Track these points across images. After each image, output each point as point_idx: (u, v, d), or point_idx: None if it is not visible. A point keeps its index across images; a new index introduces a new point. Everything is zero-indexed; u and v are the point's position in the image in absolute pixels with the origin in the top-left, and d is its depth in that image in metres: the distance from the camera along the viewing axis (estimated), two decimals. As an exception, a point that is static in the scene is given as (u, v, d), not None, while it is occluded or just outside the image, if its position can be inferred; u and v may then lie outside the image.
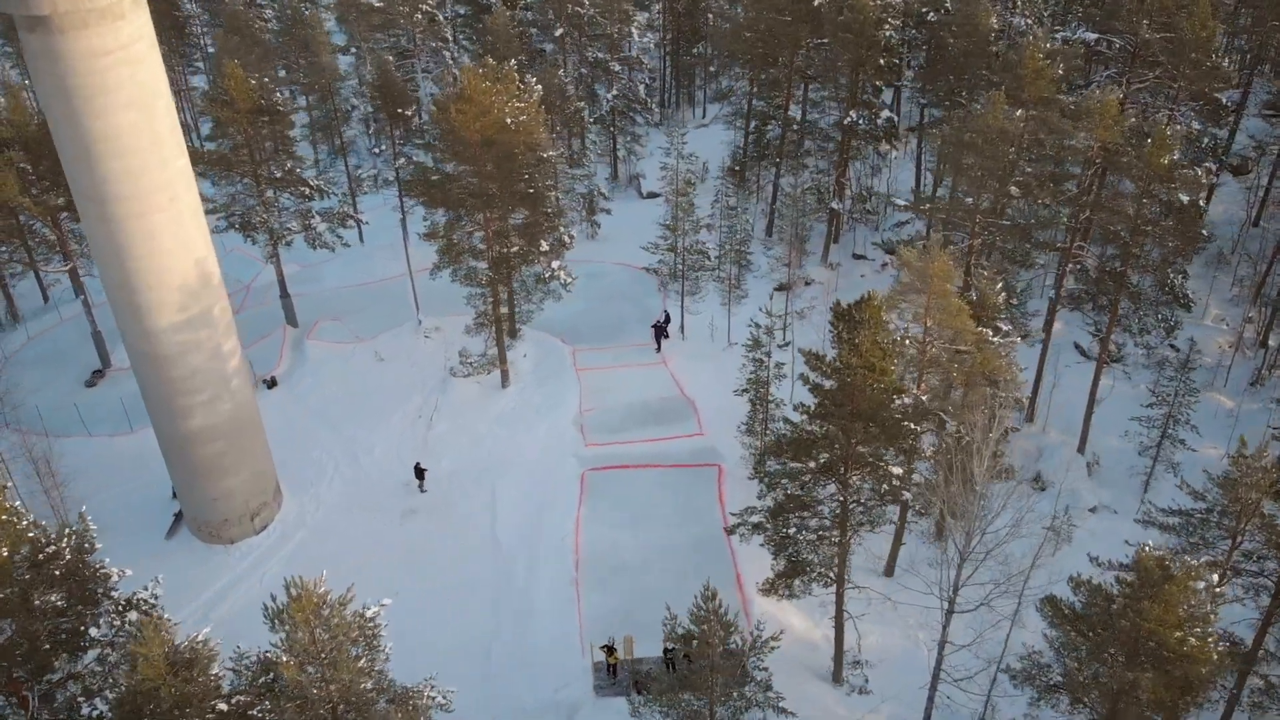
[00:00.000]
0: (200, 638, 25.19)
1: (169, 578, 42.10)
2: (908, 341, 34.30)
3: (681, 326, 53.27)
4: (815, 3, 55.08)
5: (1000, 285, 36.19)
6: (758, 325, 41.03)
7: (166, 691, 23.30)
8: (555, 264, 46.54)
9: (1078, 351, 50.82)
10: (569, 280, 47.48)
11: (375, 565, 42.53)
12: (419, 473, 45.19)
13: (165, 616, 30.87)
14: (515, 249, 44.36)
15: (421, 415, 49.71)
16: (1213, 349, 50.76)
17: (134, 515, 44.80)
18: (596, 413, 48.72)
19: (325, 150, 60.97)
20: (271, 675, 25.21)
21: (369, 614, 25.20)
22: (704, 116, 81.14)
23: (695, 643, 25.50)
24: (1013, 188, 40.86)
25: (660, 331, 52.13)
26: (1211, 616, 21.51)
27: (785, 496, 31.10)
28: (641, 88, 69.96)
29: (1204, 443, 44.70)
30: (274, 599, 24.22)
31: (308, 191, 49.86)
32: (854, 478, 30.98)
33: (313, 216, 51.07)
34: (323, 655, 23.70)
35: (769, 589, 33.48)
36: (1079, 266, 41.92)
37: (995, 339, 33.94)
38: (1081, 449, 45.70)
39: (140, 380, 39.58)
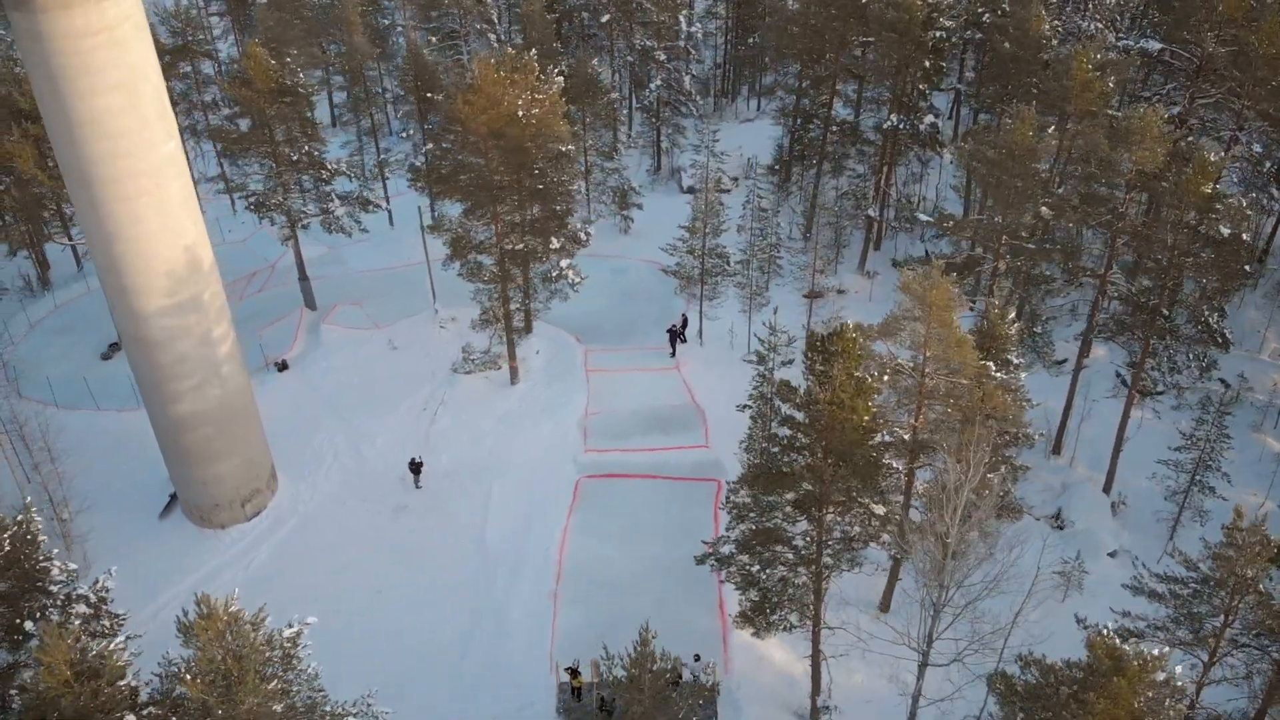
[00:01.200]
0: (113, 646, 24.29)
1: (156, 559, 42.41)
2: (903, 371, 32.27)
3: (700, 331, 51.53)
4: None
5: (1012, 315, 33.78)
6: (760, 339, 39.17)
7: (69, 701, 22.64)
8: (565, 263, 45.17)
9: (1120, 381, 47.88)
10: (577, 280, 46.09)
11: (362, 560, 41.95)
12: (414, 468, 44.40)
13: (119, 612, 30.67)
14: (521, 245, 43.03)
15: (427, 408, 48.92)
16: (1266, 386, 47.39)
17: (131, 493, 44.83)
18: (602, 416, 47.38)
19: (354, 132, 60.38)
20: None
21: (287, 634, 24.28)
22: (756, 110, 78.82)
23: (625, 687, 24.10)
24: (1044, 208, 38.27)
25: (676, 335, 50.50)
26: (1173, 715, 19.34)
27: (754, 530, 29.41)
28: (688, 79, 68.00)
29: (1243, 489, 41.65)
30: (185, 613, 23.39)
31: (325, 175, 49.16)
32: (829, 516, 29.15)
33: (331, 200, 50.40)
34: (230, 676, 22.80)
35: (742, 622, 31.84)
36: (1114, 295, 39.17)
37: (999, 373, 31.61)
38: (1108, 488, 42.99)
39: (131, 362, 39.43)
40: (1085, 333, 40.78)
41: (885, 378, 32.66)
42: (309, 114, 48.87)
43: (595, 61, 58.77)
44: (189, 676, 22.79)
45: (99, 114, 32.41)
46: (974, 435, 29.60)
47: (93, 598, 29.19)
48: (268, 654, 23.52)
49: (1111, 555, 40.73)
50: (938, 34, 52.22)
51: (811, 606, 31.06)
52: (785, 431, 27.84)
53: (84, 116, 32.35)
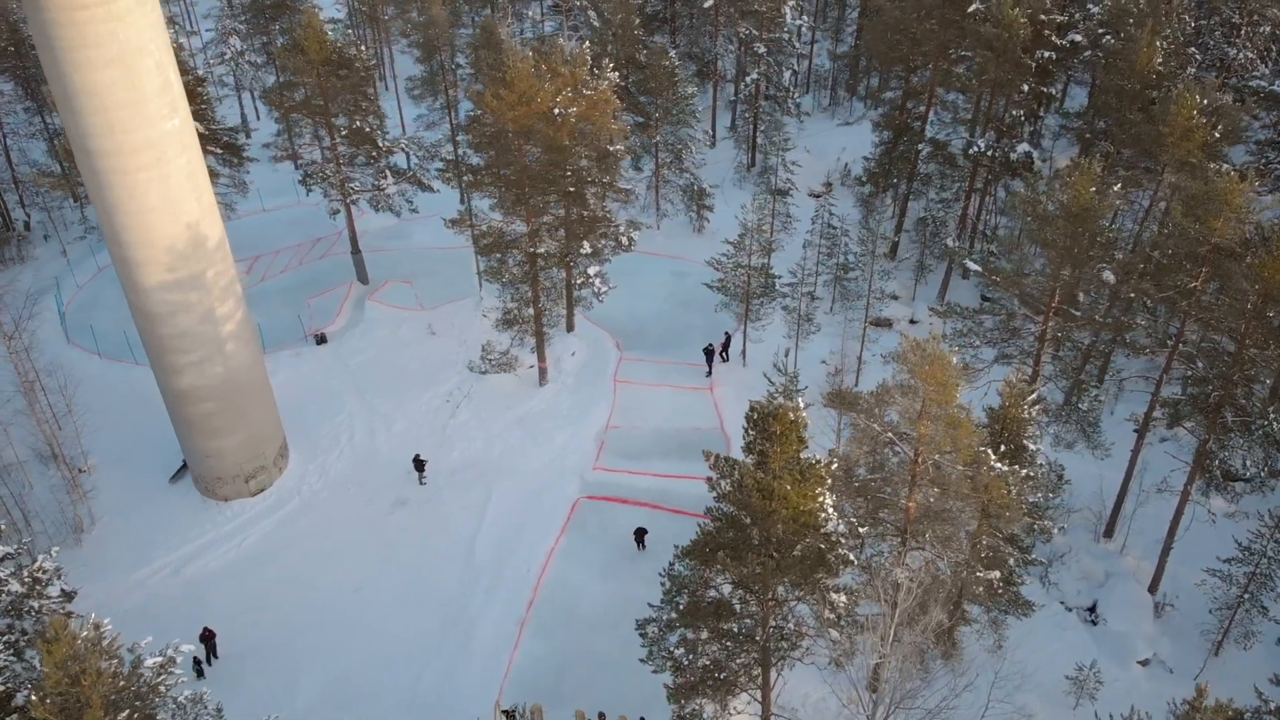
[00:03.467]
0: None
1: (156, 524, 42.62)
2: (896, 446, 29.03)
3: (743, 352, 48.57)
4: (970, 8, 48.09)
5: (1034, 395, 29.91)
6: (769, 379, 36.32)
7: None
8: (593, 270, 42.93)
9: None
10: (603, 290, 43.78)
11: (350, 552, 41.23)
12: (418, 465, 43.31)
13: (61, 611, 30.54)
14: (544, 249, 41.01)
15: (451, 399, 47.76)
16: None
17: (149, 453, 45.22)
18: (622, 431, 45.24)
19: (428, 108, 59.23)
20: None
21: (150, 663, 23.24)
22: (861, 112, 74.21)
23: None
24: (1107, 273, 33.86)
25: (714, 354, 47.69)
26: None
27: (687, 605, 26.92)
28: (787, 74, 64.27)
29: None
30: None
31: (376, 152, 48.16)
32: (772, 601, 26.39)
33: (385, 176, 49.43)
34: (81, 701, 21.91)
35: (675, 696, 29.34)
36: (1175, 379, 34.52)
37: (1000, 463, 27.93)
38: (1154, 587, 38.39)
39: (138, 331, 39.34)
40: (1143, 422, 36.11)
41: (866, 449, 29.66)
42: (368, 88, 47.82)
43: (673, 54, 55.49)
44: (34, 697, 21.98)
45: (95, 87, 31.89)
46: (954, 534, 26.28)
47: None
48: (120, 684, 22.46)
49: (1143, 664, 36.37)
50: (1046, 54, 47.33)
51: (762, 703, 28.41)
52: (725, 507, 25.15)
53: (80, 88, 31.90)
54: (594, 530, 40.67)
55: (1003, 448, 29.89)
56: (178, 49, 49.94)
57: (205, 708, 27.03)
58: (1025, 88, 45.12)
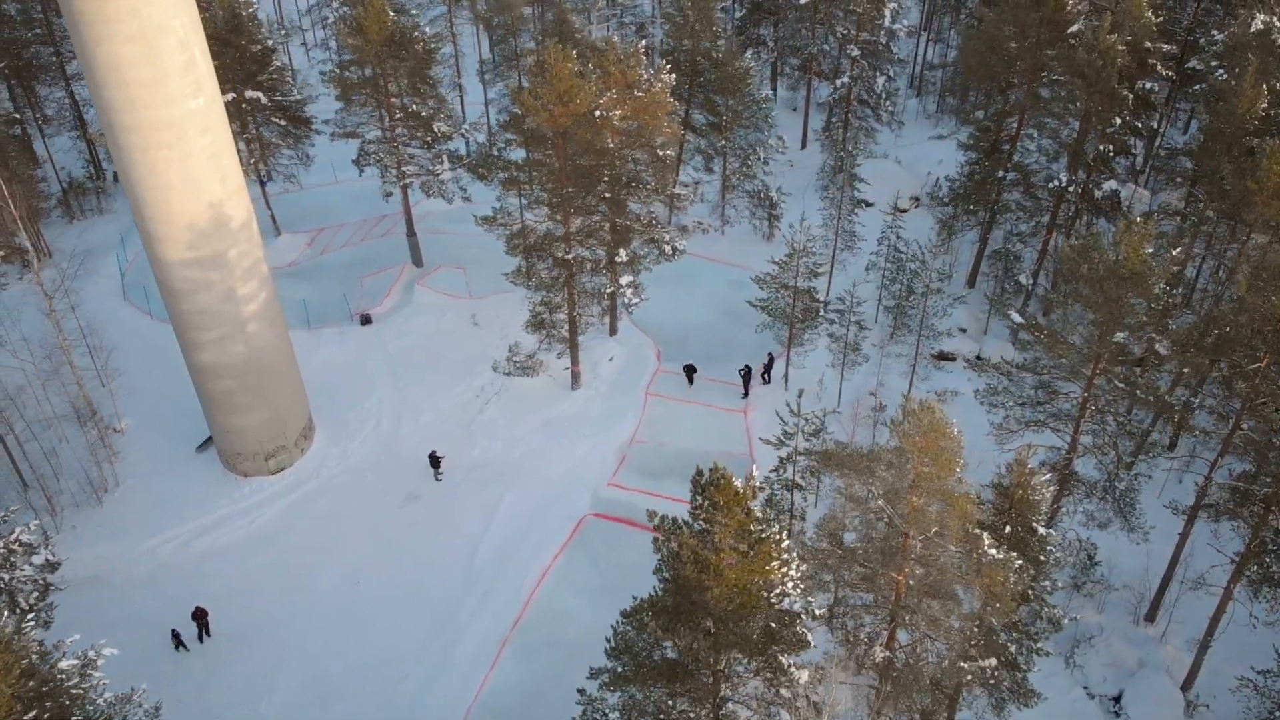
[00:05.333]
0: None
1: (175, 492, 42.94)
2: (883, 516, 26.78)
3: (785, 376, 46.27)
4: (1070, 29, 44.46)
5: (1049, 475, 27.20)
6: (781, 418, 34.22)
7: None
8: (625, 279, 41.28)
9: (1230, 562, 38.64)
10: (634, 301, 42.09)
11: (357, 542, 40.86)
12: (434, 461, 42.60)
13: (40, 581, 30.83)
14: (570, 255, 39.55)
15: (482, 394, 46.90)
16: None
17: (182, 419, 45.56)
18: (646, 447, 43.64)
19: (498, 92, 58.08)
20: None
21: (65, 665, 22.89)
22: (953, 129, 70.23)
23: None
24: (1160, 346, 30.62)
25: (750, 375, 45.50)
26: None
27: (631, 667, 25.29)
28: (881, 80, 60.99)
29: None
30: None
31: (431, 138, 47.35)
32: (720, 675, 24.59)
33: (441, 161, 48.65)
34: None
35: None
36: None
37: (995, 550, 25.37)
38: (1189, 684, 34.98)
39: (164, 304, 39.48)
40: (1191, 512, 32.68)
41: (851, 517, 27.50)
42: (428, 70, 46.98)
43: (751, 53, 53.03)
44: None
45: (115, 62, 31.74)
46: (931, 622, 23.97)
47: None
48: (29, 684, 22.13)
49: (1164, 769, 33.23)
50: (1147, 85, 43.41)
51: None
52: (668, 572, 23.42)
53: (101, 62, 31.80)
54: (596, 551, 39.27)
55: (1008, 529, 27.31)
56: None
57: (140, 707, 26.74)
58: (1118, 120, 41.35)
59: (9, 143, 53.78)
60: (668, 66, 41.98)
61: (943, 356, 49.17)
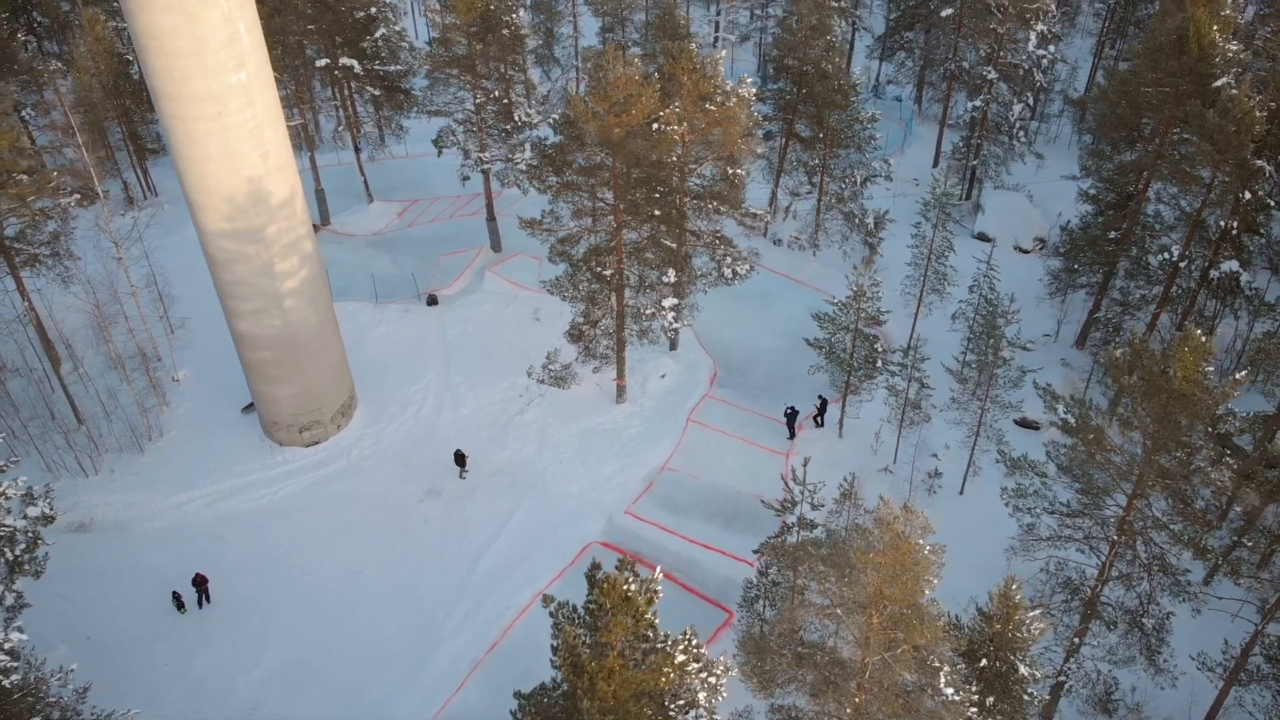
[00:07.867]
0: None
1: (212, 450, 43.45)
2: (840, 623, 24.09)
3: (840, 423, 43.16)
4: (1216, 83, 39.33)
5: (1041, 623, 23.91)
6: (786, 484, 31.53)
7: None
8: (668, 302, 39.05)
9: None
10: (672, 326, 39.78)
11: (368, 529, 40.48)
12: (459, 459, 41.69)
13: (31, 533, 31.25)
14: (611, 271, 37.60)
15: (524, 394, 45.66)
16: None
17: (234, 380, 46.12)
18: (677, 476, 41.52)
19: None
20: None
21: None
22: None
23: None
24: (1220, 474, 26.51)
25: (796, 417, 42.56)
26: None
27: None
28: (1018, 107, 56.01)
29: None
30: None
31: (510, 126, 46.05)
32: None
33: (522, 149, 47.38)
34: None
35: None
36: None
37: (954, 691, 22.33)
38: None
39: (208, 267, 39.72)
40: (1236, 664, 28.36)
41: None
42: (514, 56, 45.62)
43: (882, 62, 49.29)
44: None
45: (156, 30, 31.58)
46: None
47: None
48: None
49: None
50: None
51: None
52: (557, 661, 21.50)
53: (143, 29, 31.71)
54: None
55: (983, 663, 24.14)
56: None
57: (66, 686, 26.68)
58: (1246, 194, 36.28)
59: (125, 84, 55.38)
60: (749, 80, 39.23)
61: (1025, 424, 44.94)
